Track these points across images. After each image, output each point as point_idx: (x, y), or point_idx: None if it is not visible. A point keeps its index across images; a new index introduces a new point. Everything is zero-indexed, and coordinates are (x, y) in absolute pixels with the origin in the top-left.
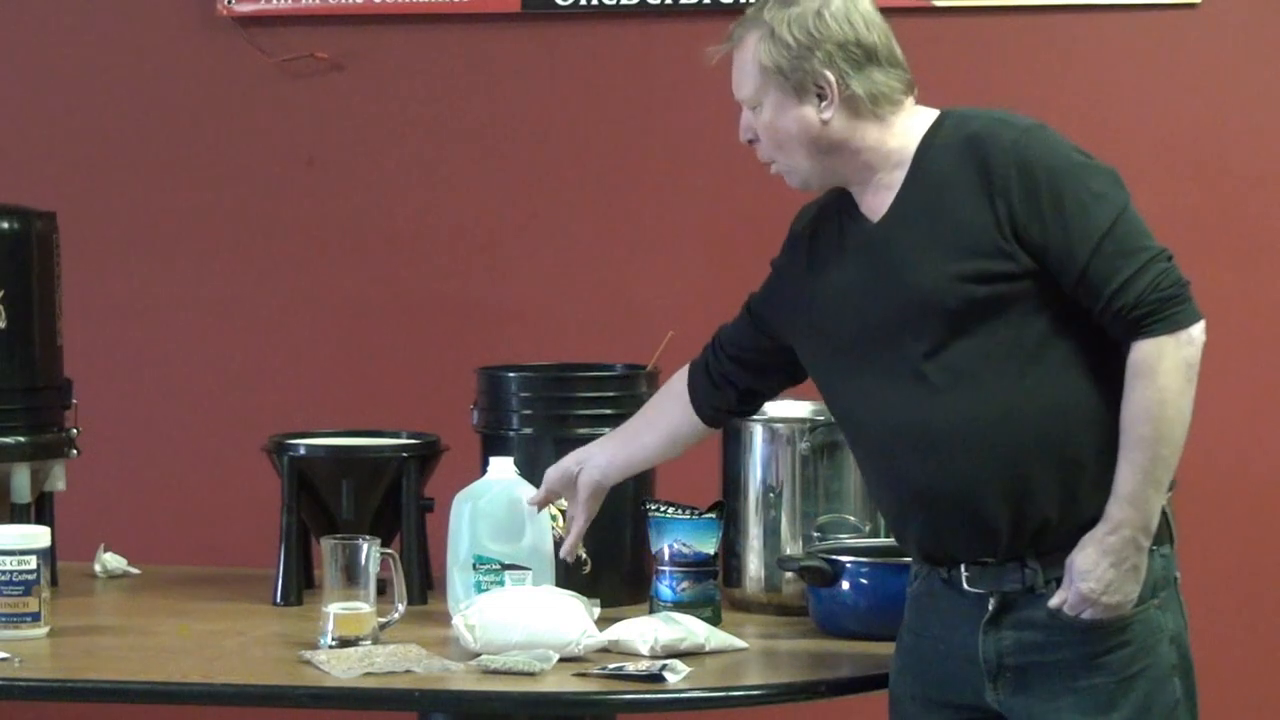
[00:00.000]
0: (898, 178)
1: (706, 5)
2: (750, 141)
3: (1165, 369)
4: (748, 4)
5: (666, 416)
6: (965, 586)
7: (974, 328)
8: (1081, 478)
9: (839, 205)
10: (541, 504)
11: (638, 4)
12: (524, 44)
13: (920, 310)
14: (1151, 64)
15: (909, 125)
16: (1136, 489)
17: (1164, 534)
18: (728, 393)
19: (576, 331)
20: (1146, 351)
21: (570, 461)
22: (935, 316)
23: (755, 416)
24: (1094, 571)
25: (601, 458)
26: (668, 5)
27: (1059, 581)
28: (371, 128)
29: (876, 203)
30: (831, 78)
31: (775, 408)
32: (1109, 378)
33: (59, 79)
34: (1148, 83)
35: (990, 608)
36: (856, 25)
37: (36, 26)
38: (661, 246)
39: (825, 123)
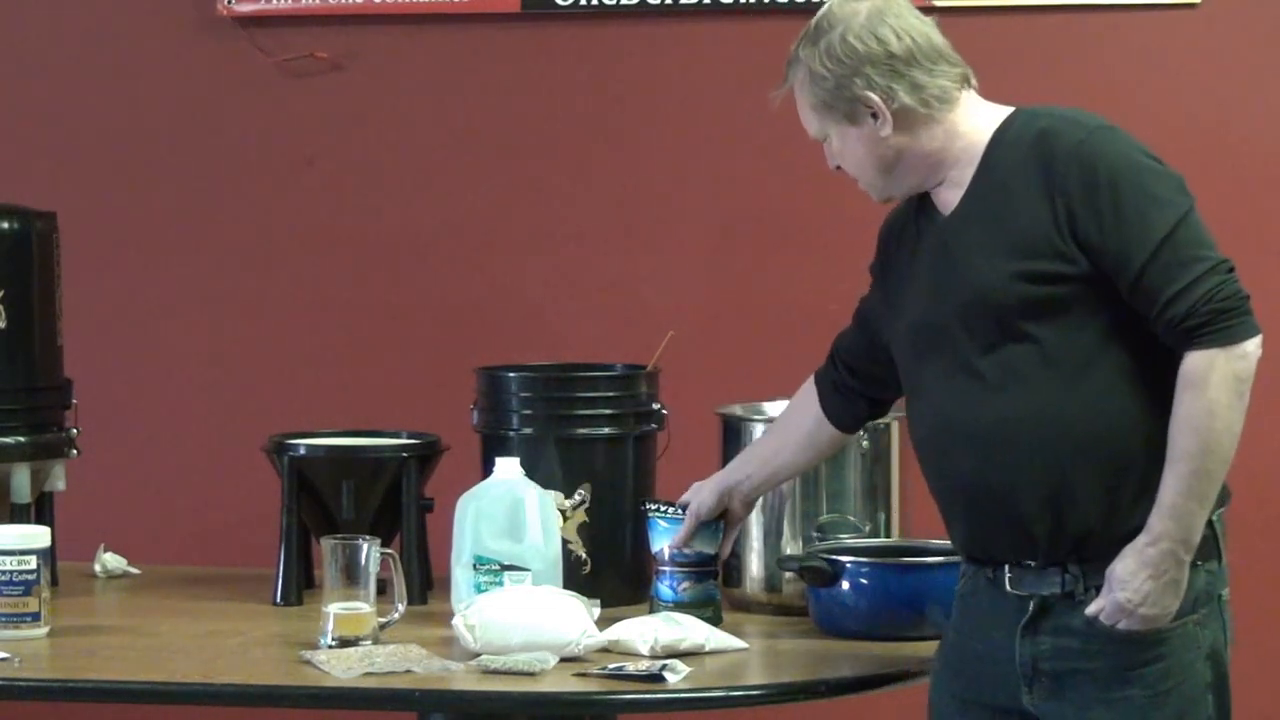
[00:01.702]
0: (967, 175)
1: (706, 5)
2: (838, 168)
3: (1215, 381)
4: (748, 4)
5: (803, 431)
6: (1008, 588)
7: (1029, 328)
8: (1125, 488)
9: (918, 203)
10: (686, 539)
11: (638, 4)
12: (524, 44)
13: (978, 307)
14: (1151, 64)
15: (975, 121)
16: (1179, 501)
17: (1210, 549)
18: (859, 403)
19: (576, 331)
20: (1197, 362)
21: (711, 496)
22: (991, 314)
23: (755, 416)
24: (1132, 582)
25: (746, 484)
26: (668, 5)
27: (1099, 589)
28: (371, 128)
29: (948, 199)
30: (875, 97)
31: (775, 408)
32: (1160, 387)
33: (59, 79)
34: (1148, 83)
35: (1029, 611)
36: (885, 38)
37: (36, 27)
38: (662, 246)
39: (885, 139)
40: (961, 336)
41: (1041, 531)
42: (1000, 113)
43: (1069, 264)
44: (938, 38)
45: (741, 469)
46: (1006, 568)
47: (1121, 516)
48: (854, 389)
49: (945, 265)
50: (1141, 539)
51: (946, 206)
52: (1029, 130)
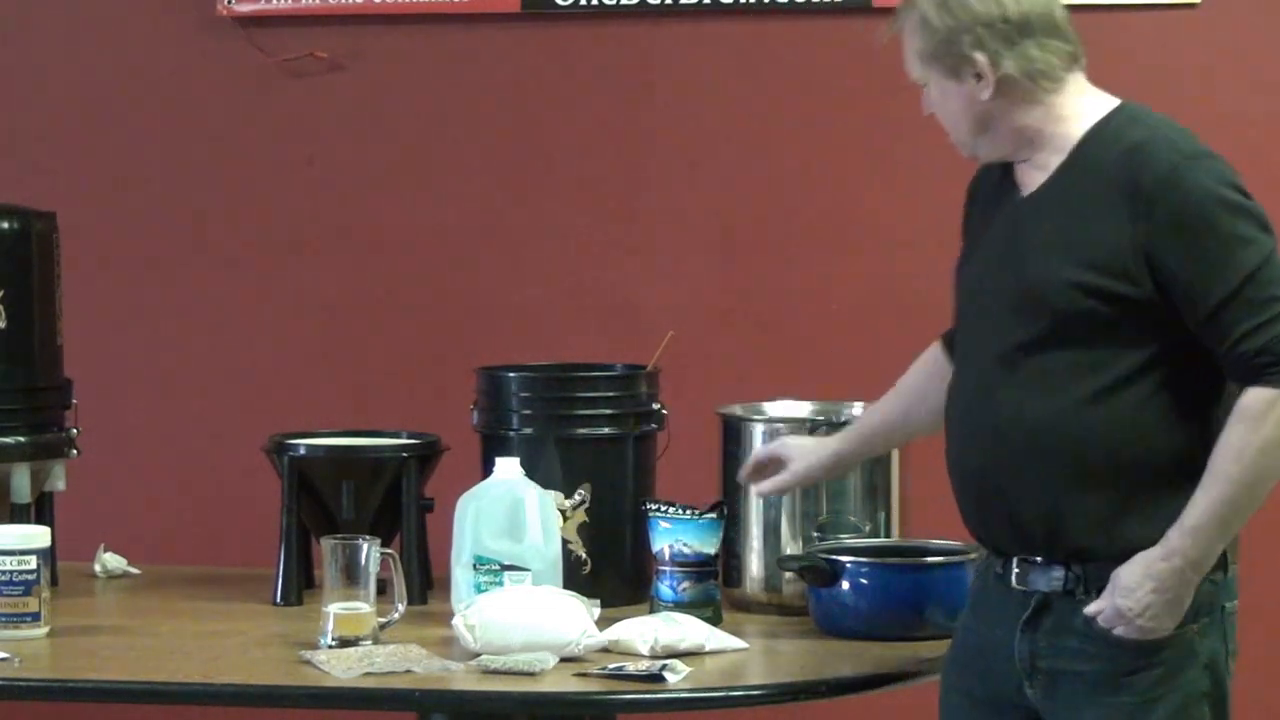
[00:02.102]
0: (1054, 162)
1: (706, 5)
2: (932, 114)
3: (1273, 420)
4: (748, 4)
5: (939, 395)
6: (1014, 584)
7: (1074, 336)
8: (1132, 511)
9: (1004, 169)
10: (774, 489)
11: (638, 4)
12: (524, 44)
13: (1031, 302)
14: (1151, 64)
15: (1076, 108)
16: (1203, 523)
17: (1218, 559)
18: None
19: (576, 331)
20: (1259, 398)
21: (823, 468)
22: (1042, 313)
23: (755, 416)
24: (1136, 592)
25: (859, 455)
26: (668, 5)
27: (1101, 590)
28: (371, 128)
29: (1030, 179)
30: (982, 59)
31: (775, 408)
32: (1187, 418)
33: (59, 79)
34: (1148, 83)
35: (1030, 607)
36: (1003, 1)
37: (37, 27)
38: (661, 246)
39: (984, 102)
40: (1007, 323)
41: (1039, 533)
42: (1101, 105)
43: (1132, 286)
44: (1059, 11)
45: (858, 439)
46: (1014, 562)
47: (1123, 534)
48: None
49: (1011, 249)
50: (1155, 552)
51: (1026, 186)
52: (1123, 138)
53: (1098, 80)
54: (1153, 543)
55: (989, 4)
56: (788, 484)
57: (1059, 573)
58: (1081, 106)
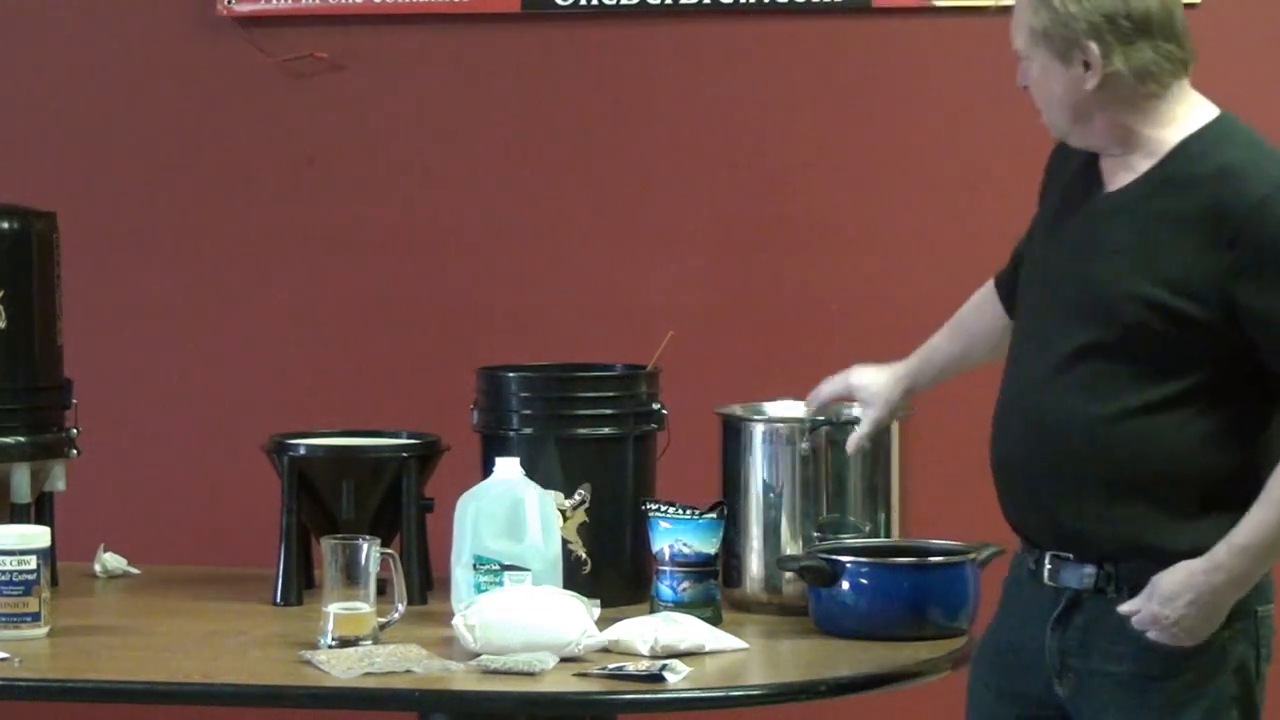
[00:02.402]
0: (1142, 166)
1: (706, 5)
2: (1025, 88)
3: None
4: (748, 4)
5: (993, 332)
6: (1046, 580)
7: (1129, 349)
8: (1168, 524)
9: (1088, 155)
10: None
11: (638, 4)
12: (524, 44)
13: (1098, 308)
14: None
15: (1175, 114)
16: (1254, 542)
17: None
18: None
19: (576, 331)
20: None
21: (902, 395)
22: (1103, 320)
23: (755, 416)
24: (1175, 601)
25: (922, 385)
26: (668, 5)
27: (1134, 589)
28: (371, 128)
29: (1115, 177)
30: (1095, 50)
31: (775, 408)
32: (1219, 448)
33: (59, 79)
34: None
35: (1062, 604)
36: None
37: (36, 26)
38: (661, 246)
39: (1086, 92)
40: (1069, 323)
41: (1068, 530)
42: (1200, 114)
43: (1202, 308)
44: (1179, 15)
45: (928, 371)
46: (1047, 558)
47: (1149, 545)
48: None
49: (1085, 247)
50: (1200, 563)
51: (1110, 183)
52: (1214, 157)
53: None
54: (1178, 557)
55: None
56: (873, 432)
57: (1091, 570)
58: (1180, 114)
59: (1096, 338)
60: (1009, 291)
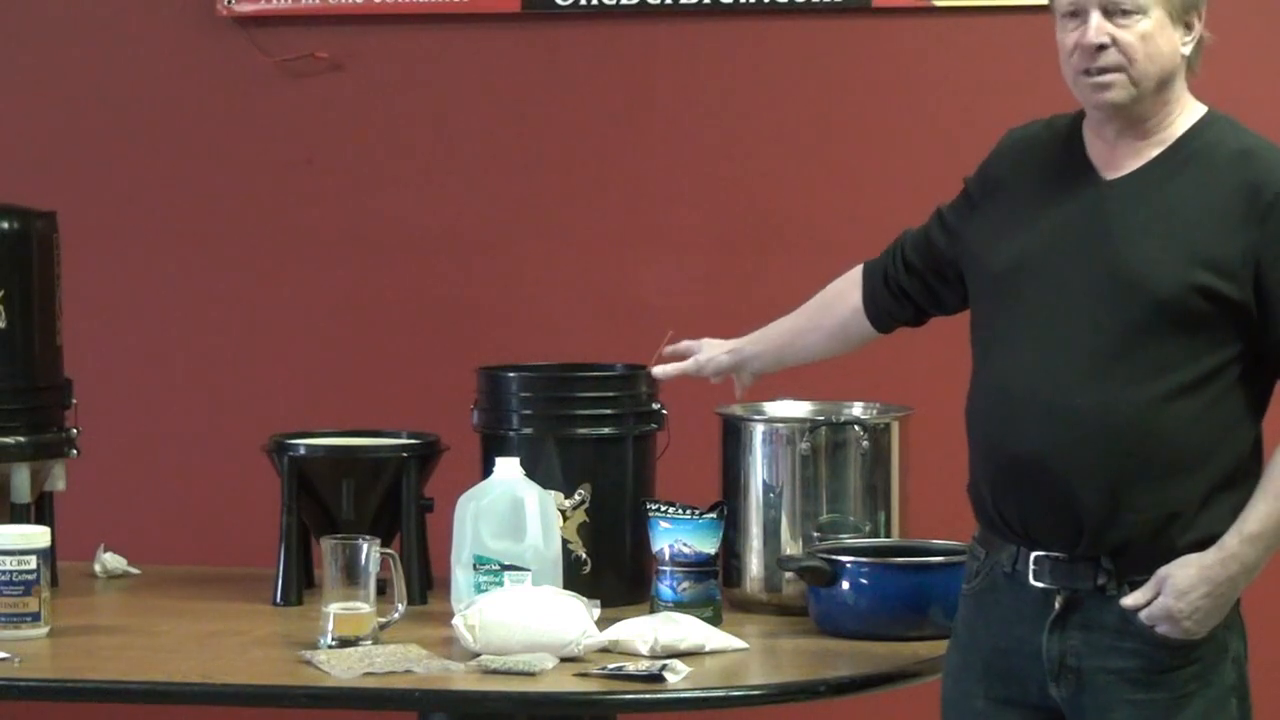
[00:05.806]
0: (1151, 153)
1: (706, 5)
2: (1100, 47)
3: None
4: (748, 4)
5: (838, 319)
6: (1030, 581)
7: (1165, 331)
8: (1189, 509)
9: (1064, 144)
10: (671, 373)
11: (638, 4)
12: (524, 44)
13: (1130, 293)
14: None
15: (1187, 101)
16: (1263, 530)
17: None
18: (906, 308)
19: (576, 331)
20: None
21: (726, 359)
22: (1142, 307)
23: (755, 416)
24: (1189, 594)
25: (762, 359)
26: (668, 5)
27: (1133, 585)
28: (371, 128)
29: (1114, 160)
30: (1199, 17)
31: (775, 408)
32: (1238, 428)
33: (59, 79)
34: None
35: (1057, 606)
36: None
37: (37, 26)
38: (661, 245)
39: (1181, 57)
40: (1094, 309)
41: (1091, 525)
42: (1196, 106)
43: (1234, 287)
44: None
45: (762, 341)
46: (1031, 559)
47: (1172, 534)
48: (907, 291)
49: (1097, 233)
50: (1211, 555)
51: (1109, 167)
52: (1234, 141)
53: None
54: (1198, 546)
55: None
56: (684, 370)
57: (1088, 570)
58: (1189, 102)
59: (1130, 320)
60: (881, 286)
